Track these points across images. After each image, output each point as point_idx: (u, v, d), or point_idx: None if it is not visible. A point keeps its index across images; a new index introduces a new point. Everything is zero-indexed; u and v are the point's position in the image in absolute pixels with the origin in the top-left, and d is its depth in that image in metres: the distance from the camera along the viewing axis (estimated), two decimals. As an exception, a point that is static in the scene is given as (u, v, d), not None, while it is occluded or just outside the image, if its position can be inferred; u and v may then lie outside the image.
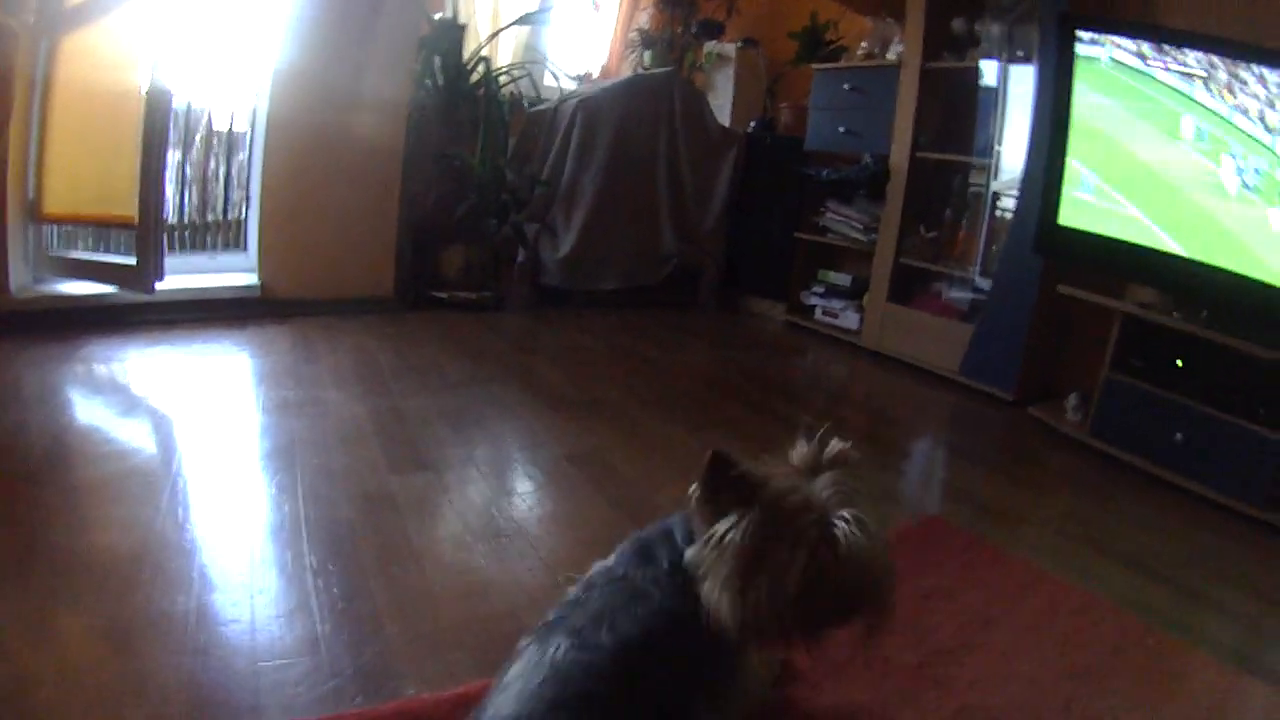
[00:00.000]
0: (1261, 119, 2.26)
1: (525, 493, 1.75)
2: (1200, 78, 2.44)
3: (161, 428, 1.87)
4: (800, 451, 0.92)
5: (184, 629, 1.14)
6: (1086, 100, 2.84)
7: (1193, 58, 2.45)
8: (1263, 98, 2.23)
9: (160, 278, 2.55)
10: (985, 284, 3.25)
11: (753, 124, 4.07)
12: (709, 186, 3.91)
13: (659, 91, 3.68)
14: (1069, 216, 2.92)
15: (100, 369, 2.19)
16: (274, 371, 2.29)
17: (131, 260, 2.53)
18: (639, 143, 3.66)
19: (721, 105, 4.25)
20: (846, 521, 0.82)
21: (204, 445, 1.79)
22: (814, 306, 3.78)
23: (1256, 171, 2.31)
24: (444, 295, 3.25)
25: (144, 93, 2.43)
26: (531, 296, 3.57)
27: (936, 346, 3.33)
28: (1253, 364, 2.42)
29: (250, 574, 1.29)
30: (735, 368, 3.01)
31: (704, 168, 3.88)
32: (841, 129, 3.67)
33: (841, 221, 3.70)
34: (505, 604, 1.29)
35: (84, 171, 2.54)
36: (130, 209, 2.49)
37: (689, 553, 0.90)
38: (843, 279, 3.74)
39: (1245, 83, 2.28)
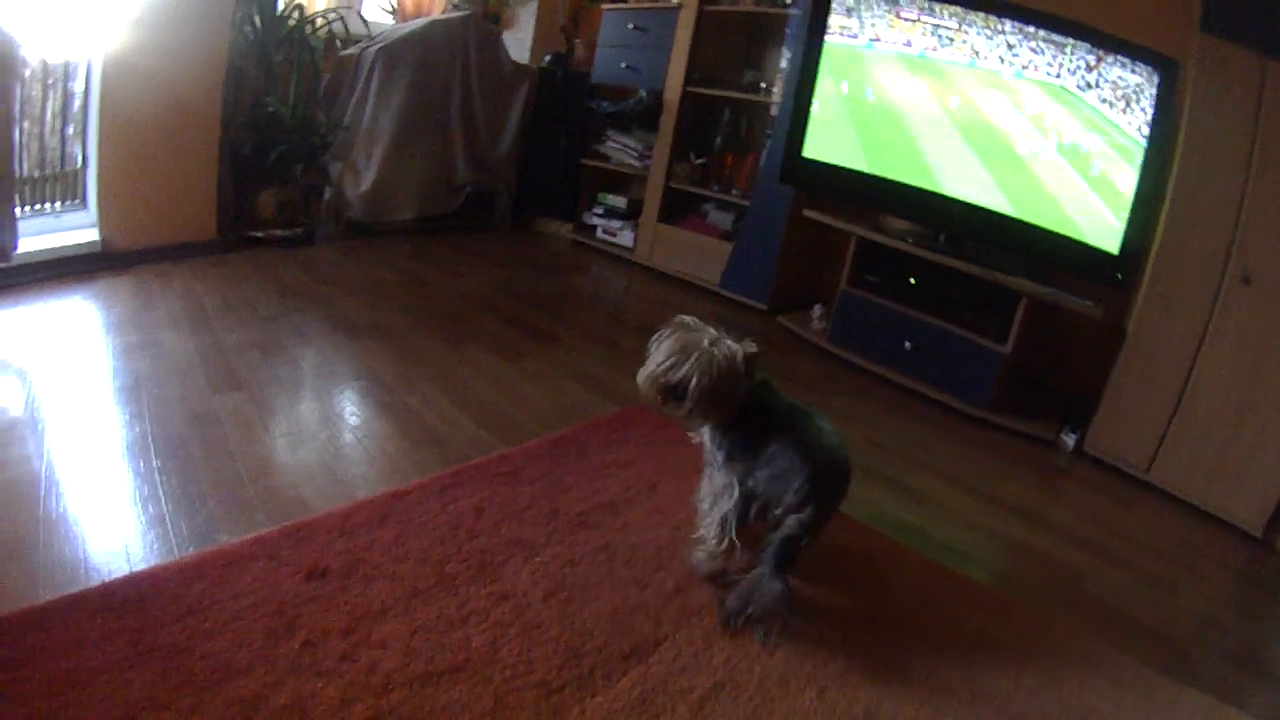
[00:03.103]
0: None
1: (312, 402, 2.36)
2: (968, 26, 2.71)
3: (25, 380, 2.19)
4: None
5: (68, 523, 1.66)
6: (842, 39, 3.02)
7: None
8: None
9: (16, 245, 2.63)
10: (747, 207, 3.68)
11: (547, 59, 4.46)
12: (501, 119, 4.33)
13: (454, 35, 4.03)
14: (814, 149, 3.14)
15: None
16: (119, 321, 2.64)
17: (-15, 235, 2.54)
18: (434, 83, 4.02)
19: (523, 40, 4.63)
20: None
21: (64, 389, 2.17)
22: (595, 226, 4.31)
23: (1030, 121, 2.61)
24: (260, 234, 3.61)
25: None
26: (338, 230, 3.96)
27: (701, 262, 3.87)
28: (979, 284, 2.66)
29: (113, 478, 1.83)
30: (506, 287, 3.52)
31: (497, 102, 4.29)
32: (624, 65, 4.09)
33: (620, 149, 4.23)
34: (292, 478, 1.93)
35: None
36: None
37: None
38: (620, 201, 4.29)
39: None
